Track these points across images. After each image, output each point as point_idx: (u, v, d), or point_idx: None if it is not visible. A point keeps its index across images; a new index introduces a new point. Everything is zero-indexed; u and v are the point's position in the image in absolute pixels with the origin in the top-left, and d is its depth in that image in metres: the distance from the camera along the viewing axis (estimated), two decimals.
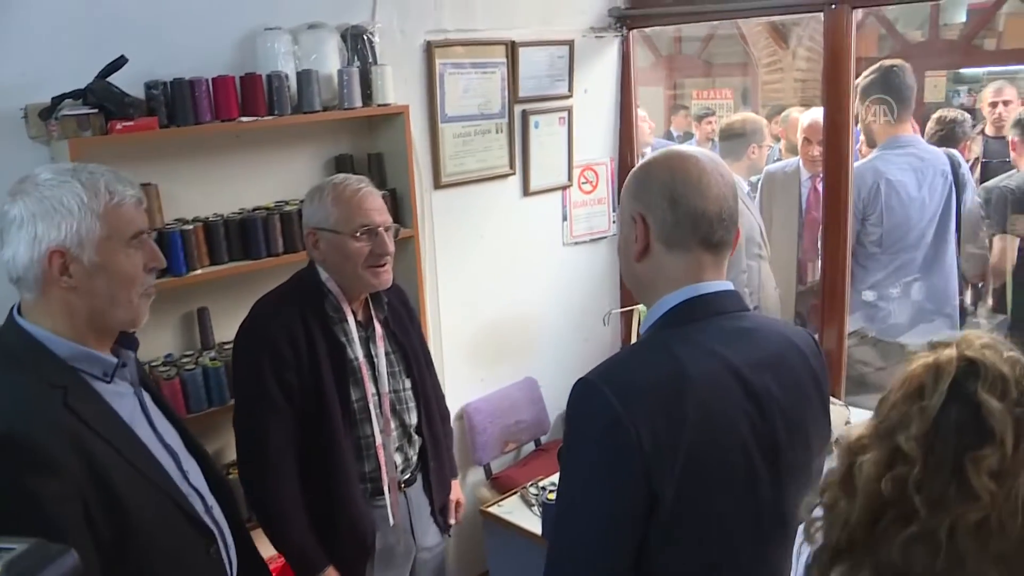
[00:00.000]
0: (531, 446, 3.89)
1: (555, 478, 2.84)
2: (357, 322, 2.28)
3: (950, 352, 1.05)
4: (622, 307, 4.05)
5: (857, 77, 3.27)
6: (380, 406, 2.29)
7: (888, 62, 3.65)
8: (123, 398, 1.58)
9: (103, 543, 1.41)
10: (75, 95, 2.34)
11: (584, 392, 1.31)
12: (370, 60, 2.95)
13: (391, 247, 2.22)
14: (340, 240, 2.17)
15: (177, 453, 1.66)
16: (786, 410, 1.37)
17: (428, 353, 2.53)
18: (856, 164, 3.45)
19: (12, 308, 1.53)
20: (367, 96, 2.91)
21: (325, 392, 2.18)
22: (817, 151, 3.98)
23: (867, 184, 3.50)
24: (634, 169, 1.46)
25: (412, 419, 2.39)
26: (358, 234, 2.17)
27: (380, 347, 2.31)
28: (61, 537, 1.32)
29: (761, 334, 1.41)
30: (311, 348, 2.18)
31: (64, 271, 1.45)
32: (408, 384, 2.39)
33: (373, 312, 2.33)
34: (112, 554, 1.42)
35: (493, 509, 2.77)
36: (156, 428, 1.64)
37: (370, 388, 2.26)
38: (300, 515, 2.21)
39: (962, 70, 7.19)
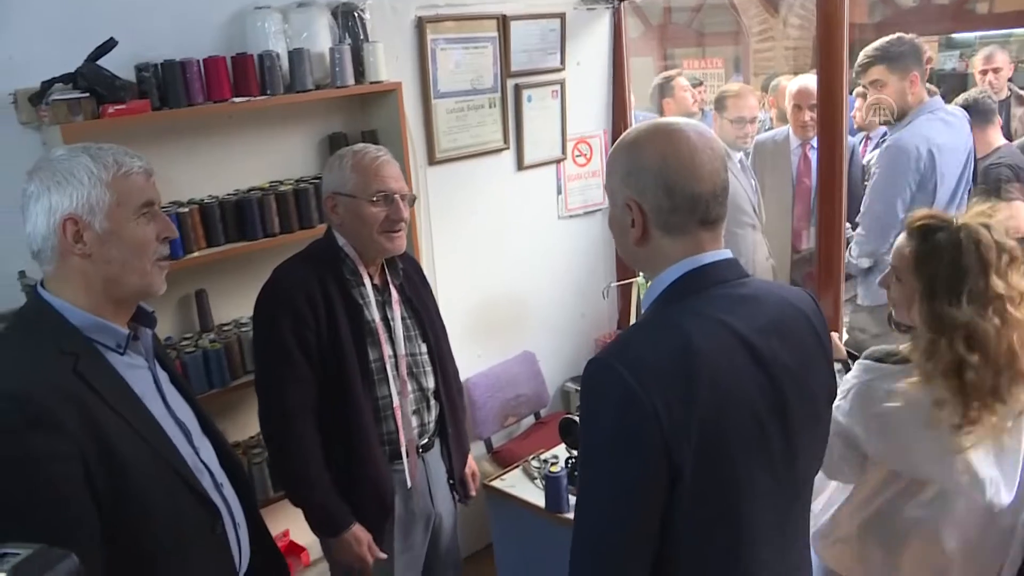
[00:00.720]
0: (531, 419, 3.92)
1: (557, 451, 2.86)
2: (374, 286, 2.34)
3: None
4: (619, 280, 4.06)
5: (851, 43, 3.25)
6: (397, 368, 2.34)
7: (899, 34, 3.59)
8: (135, 370, 1.60)
9: (103, 506, 1.44)
10: (65, 79, 2.33)
11: (598, 372, 1.31)
12: (361, 37, 2.93)
13: (406, 213, 2.29)
14: (357, 205, 2.24)
15: (190, 430, 1.68)
16: (793, 372, 1.39)
17: (443, 323, 2.56)
18: (896, 133, 3.43)
19: (37, 283, 1.58)
20: (359, 74, 2.90)
21: (344, 352, 2.24)
22: (807, 117, 3.97)
23: (920, 153, 3.38)
24: (619, 144, 1.43)
25: (429, 383, 2.44)
26: (374, 199, 2.23)
27: (396, 311, 2.37)
28: (58, 494, 1.37)
29: (763, 299, 1.42)
30: (329, 309, 2.23)
31: (78, 239, 1.51)
32: (424, 348, 2.44)
33: (389, 277, 2.39)
34: (112, 519, 1.45)
35: (496, 483, 2.78)
36: (169, 404, 1.66)
37: (387, 350, 2.31)
38: (322, 473, 2.25)
39: (954, 35, 7.16)
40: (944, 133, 3.39)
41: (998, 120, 4.20)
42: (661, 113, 5.15)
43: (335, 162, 2.29)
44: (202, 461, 1.67)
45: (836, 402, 1.95)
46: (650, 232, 1.38)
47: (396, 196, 2.26)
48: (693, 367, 1.27)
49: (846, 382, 2.02)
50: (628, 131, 1.45)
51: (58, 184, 1.50)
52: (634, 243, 1.41)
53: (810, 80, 3.81)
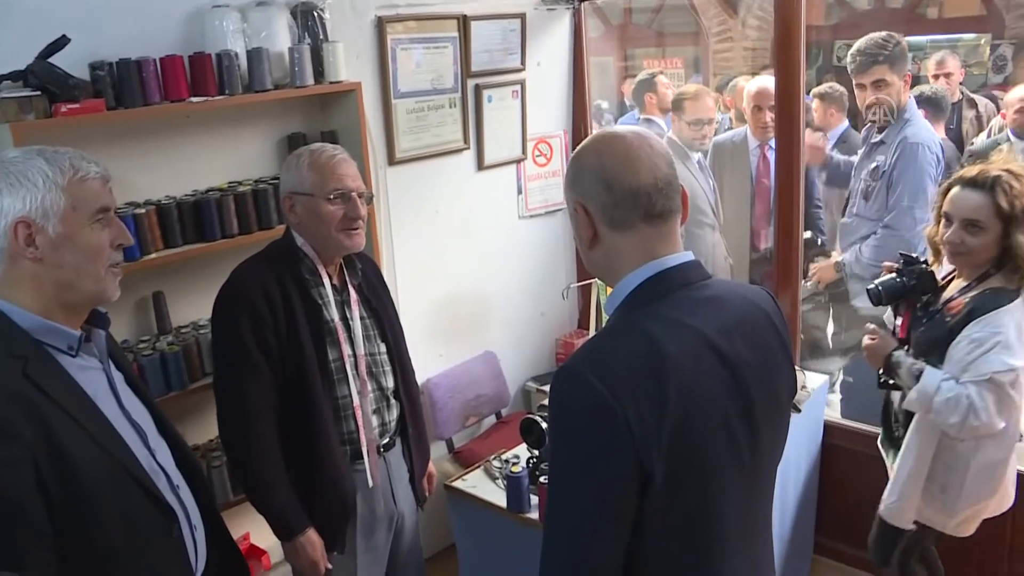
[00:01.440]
0: (492, 419, 3.92)
1: (518, 450, 2.86)
2: (332, 286, 2.33)
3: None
4: (579, 280, 4.08)
5: (808, 44, 3.30)
6: (356, 367, 2.34)
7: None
8: (88, 372, 1.58)
9: (56, 511, 1.42)
10: (14, 76, 2.29)
11: (568, 380, 1.31)
12: (321, 37, 2.91)
13: (363, 211, 2.29)
14: (315, 203, 2.23)
15: (145, 432, 1.66)
16: (757, 371, 1.41)
17: (400, 324, 2.56)
18: (905, 131, 3.52)
19: None
20: (319, 73, 2.88)
21: (303, 351, 2.23)
22: (767, 118, 4.02)
23: (936, 147, 3.53)
24: (570, 159, 1.47)
25: (389, 382, 2.44)
26: (331, 197, 2.23)
27: (355, 310, 2.37)
28: (10, 501, 1.35)
29: (726, 300, 1.43)
30: (288, 308, 2.23)
31: (30, 242, 1.49)
32: (383, 348, 2.44)
33: (348, 277, 2.39)
34: (65, 523, 1.43)
35: (457, 484, 2.78)
36: (123, 405, 1.64)
37: (346, 349, 2.31)
38: (282, 476, 2.25)
39: (907, 38, 7.27)
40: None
41: (946, 116, 4.41)
42: (643, 107, 5.27)
43: (292, 162, 2.29)
44: (158, 463, 1.65)
45: (969, 360, 2.32)
46: (599, 231, 1.40)
47: (353, 194, 2.26)
48: (663, 373, 1.28)
49: (969, 340, 2.34)
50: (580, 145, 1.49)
51: (11, 186, 1.48)
52: (588, 246, 1.43)
53: (769, 81, 3.83)
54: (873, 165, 3.61)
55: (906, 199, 3.49)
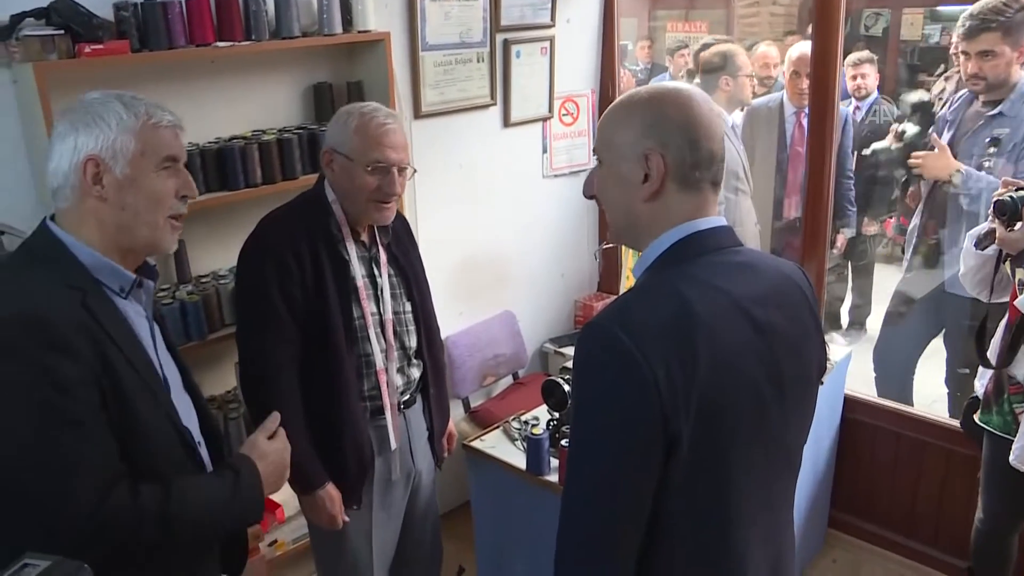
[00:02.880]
0: (508, 380, 3.90)
1: (537, 412, 2.84)
2: (361, 243, 2.29)
3: None
4: (600, 242, 4.03)
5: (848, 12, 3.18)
6: (382, 326, 2.30)
7: None
8: (136, 318, 1.59)
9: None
10: (36, 14, 2.24)
11: (596, 336, 1.27)
12: None
13: (399, 189, 2.23)
14: (352, 168, 2.18)
15: (171, 388, 1.65)
16: (790, 342, 1.37)
17: (427, 283, 2.52)
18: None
19: (45, 217, 1.57)
20: (347, 22, 2.82)
21: (329, 308, 2.20)
22: (804, 84, 3.93)
23: None
24: (630, 101, 1.38)
25: (412, 342, 2.41)
26: (369, 168, 2.17)
27: (383, 269, 2.33)
28: (80, 420, 1.38)
29: (759, 268, 1.39)
30: (316, 263, 2.19)
31: (97, 180, 1.51)
32: (408, 308, 2.40)
33: (377, 235, 2.34)
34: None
35: (476, 443, 2.76)
36: (160, 359, 1.64)
37: (369, 308, 2.28)
38: (301, 430, 2.22)
39: (939, 7, 7.13)
40: None
41: None
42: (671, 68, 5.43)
43: (342, 117, 2.22)
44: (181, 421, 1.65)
45: None
46: (666, 186, 1.34)
47: (393, 169, 2.19)
48: (693, 333, 1.24)
49: None
50: (634, 91, 1.41)
51: (86, 125, 1.50)
52: (645, 199, 1.35)
53: (809, 47, 3.78)
54: (990, 138, 3.30)
55: None
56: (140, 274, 1.61)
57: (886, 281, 6.16)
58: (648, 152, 1.33)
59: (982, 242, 2.52)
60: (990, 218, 2.48)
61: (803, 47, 4.09)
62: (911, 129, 4.68)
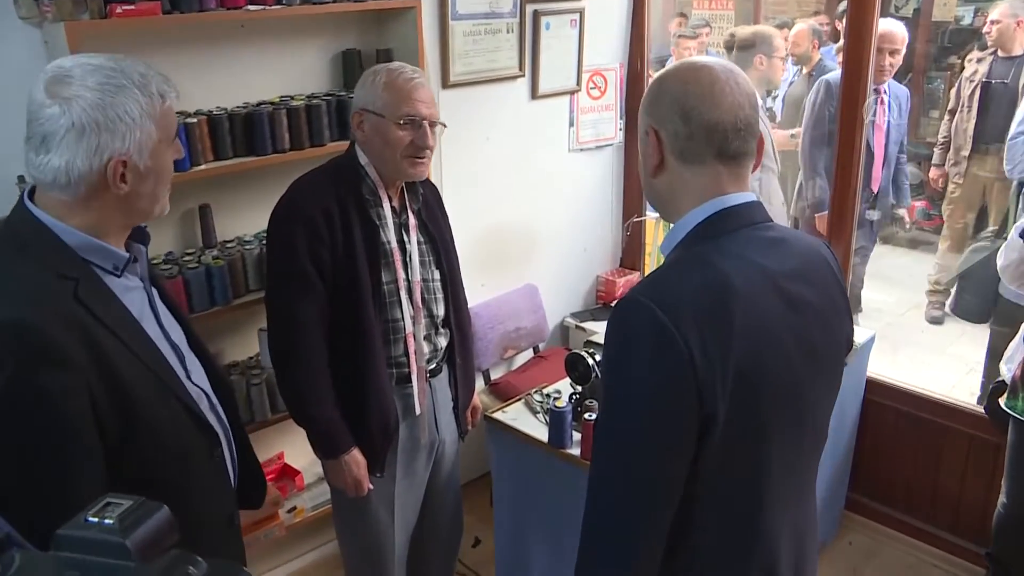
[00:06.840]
0: (529, 353, 3.90)
1: (559, 385, 2.84)
2: (392, 208, 2.28)
3: None
4: (624, 216, 4.00)
5: None
6: (410, 292, 2.30)
7: None
8: (132, 292, 1.54)
9: (110, 440, 1.39)
10: None
11: (630, 310, 1.25)
12: None
13: (432, 142, 2.22)
14: (384, 125, 2.17)
15: (182, 352, 1.64)
16: (822, 318, 1.36)
17: (456, 253, 2.51)
18: None
19: (22, 192, 1.46)
20: None
21: (358, 272, 2.19)
22: (887, 62, 4.00)
23: None
24: (651, 81, 1.41)
25: (439, 310, 2.40)
26: (402, 122, 2.16)
27: (413, 235, 2.32)
28: (66, 431, 1.33)
29: (791, 243, 1.38)
30: (346, 227, 2.18)
31: (124, 179, 1.42)
32: (437, 275, 2.39)
33: (408, 201, 2.33)
34: (118, 453, 1.41)
35: (498, 415, 2.76)
36: (163, 325, 1.60)
37: (400, 273, 2.27)
38: (328, 393, 2.23)
39: None
40: None
41: None
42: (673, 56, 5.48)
43: (368, 77, 2.21)
44: (195, 384, 1.63)
45: None
46: (666, 160, 1.35)
47: (425, 122, 2.18)
48: (729, 307, 1.23)
49: None
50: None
51: (110, 122, 1.38)
52: (652, 173, 1.38)
53: (894, 24, 3.87)
54: None
55: None
56: (132, 239, 1.56)
57: (914, 267, 6.14)
58: (648, 129, 1.37)
59: None
60: None
61: (888, 24, 4.06)
62: None
